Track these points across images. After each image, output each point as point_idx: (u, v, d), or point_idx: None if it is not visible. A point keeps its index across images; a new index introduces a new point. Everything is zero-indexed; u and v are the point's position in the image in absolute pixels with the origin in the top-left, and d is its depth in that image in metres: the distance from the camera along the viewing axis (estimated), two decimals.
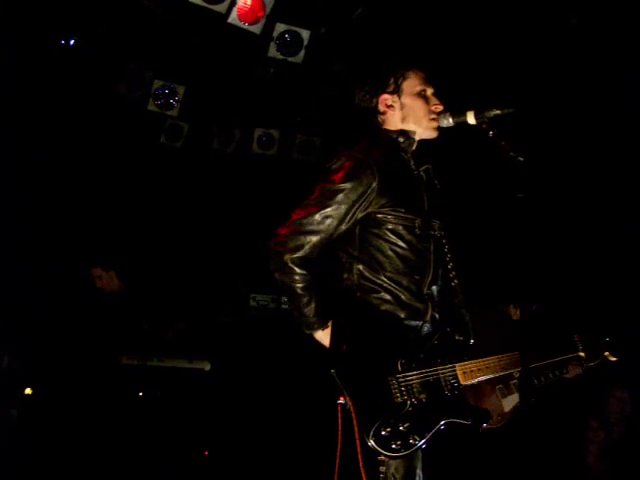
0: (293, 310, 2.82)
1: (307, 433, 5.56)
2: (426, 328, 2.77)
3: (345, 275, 2.88)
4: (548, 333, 3.01)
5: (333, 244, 2.89)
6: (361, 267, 2.84)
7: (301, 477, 5.46)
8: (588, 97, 5.56)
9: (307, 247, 2.77)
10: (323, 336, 2.79)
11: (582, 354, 2.95)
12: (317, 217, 2.78)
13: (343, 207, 2.79)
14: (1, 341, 5.84)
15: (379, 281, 2.80)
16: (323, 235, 2.79)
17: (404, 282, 2.78)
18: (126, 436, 5.65)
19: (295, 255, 2.76)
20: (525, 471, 5.05)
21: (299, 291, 2.76)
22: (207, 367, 6.02)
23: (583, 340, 2.96)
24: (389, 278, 2.79)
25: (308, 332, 2.82)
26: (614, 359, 2.94)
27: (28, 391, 5.74)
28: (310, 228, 2.78)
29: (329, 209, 2.78)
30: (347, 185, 2.79)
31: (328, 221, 2.78)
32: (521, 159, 2.60)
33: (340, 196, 2.78)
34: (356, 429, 2.49)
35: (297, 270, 2.76)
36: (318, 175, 2.93)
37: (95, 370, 5.91)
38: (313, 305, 2.77)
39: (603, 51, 5.32)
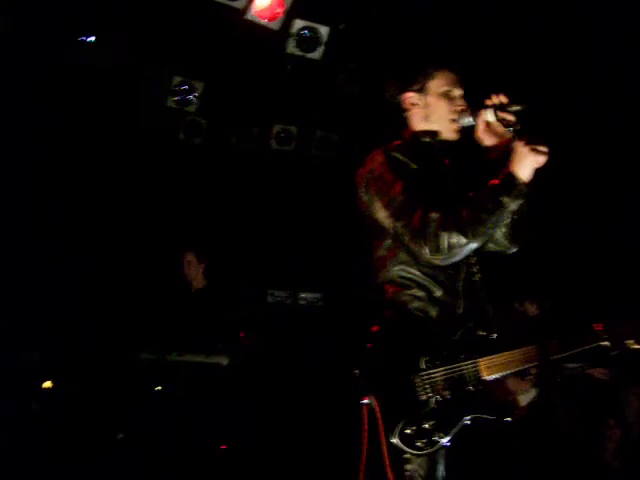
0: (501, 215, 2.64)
1: (328, 431, 5.58)
2: (454, 324, 2.75)
3: (380, 271, 2.88)
4: (568, 324, 2.99)
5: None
6: (396, 262, 2.82)
7: (323, 477, 5.49)
8: (609, 91, 5.55)
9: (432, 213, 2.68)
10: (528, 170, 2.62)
11: (605, 343, 2.91)
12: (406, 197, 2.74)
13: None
14: (32, 337, 5.91)
15: (414, 276, 2.79)
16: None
17: (440, 277, 2.77)
18: (144, 430, 5.69)
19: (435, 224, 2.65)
20: (542, 467, 5.05)
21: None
22: (225, 362, 6.03)
23: (605, 329, 2.92)
24: (425, 273, 2.78)
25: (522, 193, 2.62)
26: (637, 347, 2.90)
27: (48, 384, 5.79)
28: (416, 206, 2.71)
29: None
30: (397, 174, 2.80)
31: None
32: None
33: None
34: (381, 428, 2.51)
35: (447, 230, 2.63)
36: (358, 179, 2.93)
37: (114, 365, 5.95)
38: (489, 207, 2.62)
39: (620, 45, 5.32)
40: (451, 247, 2.61)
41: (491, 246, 3.04)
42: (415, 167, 2.85)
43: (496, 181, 2.65)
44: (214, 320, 6.03)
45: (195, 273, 6.05)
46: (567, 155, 5.43)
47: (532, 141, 2.61)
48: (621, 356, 2.91)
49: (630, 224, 5.80)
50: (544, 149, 2.60)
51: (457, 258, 2.68)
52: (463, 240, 2.61)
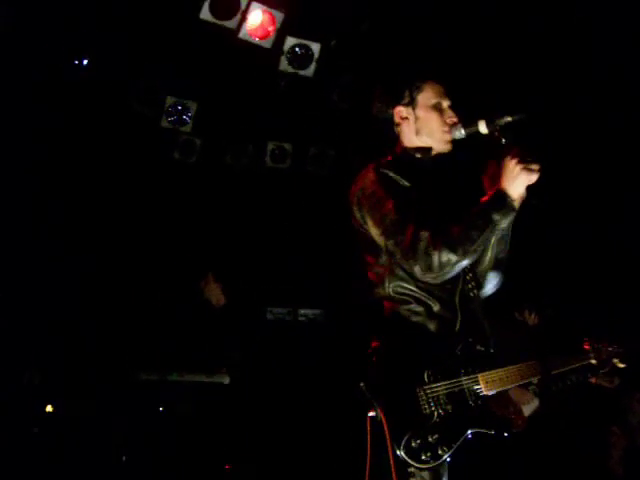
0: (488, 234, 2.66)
1: (331, 446, 5.56)
2: (453, 338, 2.76)
3: (377, 288, 2.88)
4: (562, 341, 3.02)
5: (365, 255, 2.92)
6: (392, 278, 2.82)
7: None
8: (603, 101, 5.56)
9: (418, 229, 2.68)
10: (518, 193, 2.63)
11: (594, 362, 2.94)
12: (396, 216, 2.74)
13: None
14: (30, 357, 5.89)
15: (410, 292, 2.79)
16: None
17: (436, 292, 2.77)
18: (146, 451, 5.67)
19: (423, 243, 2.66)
20: (546, 476, 5.03)
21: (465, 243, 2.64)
22: (226, 381, 6.03)
23: (592, 348, 2.96)
24: (421, 288, 2.78)
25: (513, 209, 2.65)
26: (622, 366, 2.94)
27: (49, 408, 5.77)
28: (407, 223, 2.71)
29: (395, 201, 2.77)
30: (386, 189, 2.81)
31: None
32: None
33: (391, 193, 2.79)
34: (388, 441, 2.51)
35: (437, 248, 2.63)
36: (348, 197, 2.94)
37: (114, 386, 5.93)
38: (480, 225, 2.63)
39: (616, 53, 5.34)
40: (442, 265, 2.62)
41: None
42: (407, 184, 2.86)
43: (486, 198, 2.67)
44: (219, 338, 6.08)
45: (212, 292, 6.13)
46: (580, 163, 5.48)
47: (524, 158, 2.61)
48: (611, 373, 2.94)
49: (630, 227, 5.79)
50: (536, 167, 2.60)
51: (449, 275, 2.69)
52: (454, 258, 2.62)
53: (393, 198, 2.77)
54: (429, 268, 2.63)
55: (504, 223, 2.65)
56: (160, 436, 5.76)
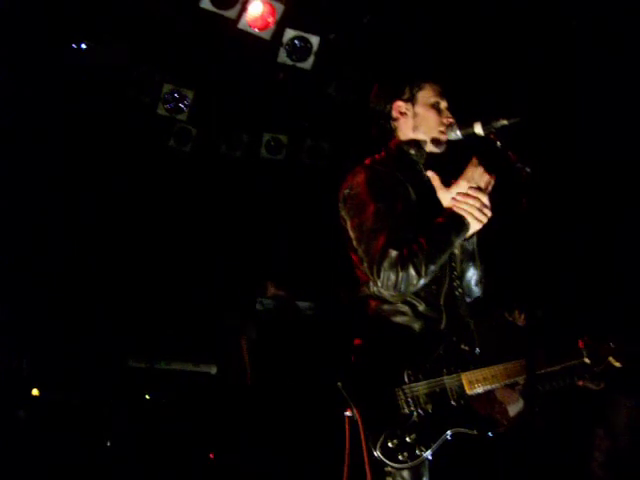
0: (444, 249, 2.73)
1: (313, 442, 5.57)
2: (437, 338, 2.76)
3: (363, 286, 2.89)
4: (553, 340, 3.00)
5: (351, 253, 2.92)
6: None
7: None
8: (595, 105, 5.57)
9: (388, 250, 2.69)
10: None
11: (587, 360, 2.94)
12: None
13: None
14: (19, 344, 5.90)
15: None
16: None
17: (421, 291, 2.76)
18: (132, 438, 5.68)
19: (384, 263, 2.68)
20: (530, 477, 5.04)
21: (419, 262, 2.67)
22: (213, 371, 6.04)
23: (587, 346, 2.95)
24: None
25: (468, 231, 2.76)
26: (618, 365, 2.93)
27: (35, 392, 5.77)
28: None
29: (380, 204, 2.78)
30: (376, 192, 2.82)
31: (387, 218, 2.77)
32: (528, 170, 2.62)
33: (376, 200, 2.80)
34: (363, 441, 2.51)
35: (403, 269, 2.65)
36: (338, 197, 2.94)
37: (102, 372, 5.94)
38: (435, 246, 2.69)
39: (611, 58, 5.34)
40: (402, 284, 2.65)
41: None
42: (397, 178, 2.87)
43: (443, 220, 2.73)
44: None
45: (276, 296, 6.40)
46: (562, 162, 5.47)
47: (471, 202, 2.70)
48: (604, 372, 2.93)
49: (627, 229, 5.80)
50: (480, 213, 2.70)
51: (404, 292, 2.72)
52: (415, 279, 2.65)
53: (375, 202, 2.77)
54: (388, 286, 2.66)
55: (459, 242, 2.77)
56: (146, 423, 5.77)
